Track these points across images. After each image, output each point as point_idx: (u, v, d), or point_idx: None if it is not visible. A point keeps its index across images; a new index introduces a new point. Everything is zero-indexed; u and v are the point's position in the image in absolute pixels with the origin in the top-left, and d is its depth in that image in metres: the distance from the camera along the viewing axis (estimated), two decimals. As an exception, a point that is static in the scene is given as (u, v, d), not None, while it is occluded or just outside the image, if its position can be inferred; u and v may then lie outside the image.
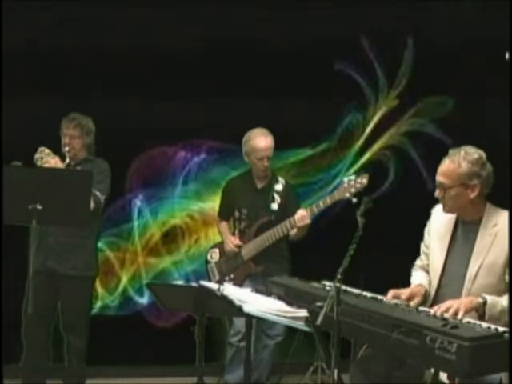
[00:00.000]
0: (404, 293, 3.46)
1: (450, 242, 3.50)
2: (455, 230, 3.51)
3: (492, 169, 3.41)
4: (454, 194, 3.37)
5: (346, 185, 4.53)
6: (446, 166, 3.40)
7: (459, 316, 3.11)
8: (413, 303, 3.42)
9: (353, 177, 4.52)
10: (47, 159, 4.55)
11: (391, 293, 3.47)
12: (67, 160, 4.69)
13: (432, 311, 3.20)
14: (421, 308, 3.34)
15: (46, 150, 4.59)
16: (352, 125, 5.86)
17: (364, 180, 4.49)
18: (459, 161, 3.35)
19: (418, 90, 5.76)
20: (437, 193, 3.44)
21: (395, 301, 3.41)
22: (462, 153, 3.38)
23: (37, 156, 4.58)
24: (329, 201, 4.65)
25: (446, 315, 3.11)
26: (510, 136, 4.87)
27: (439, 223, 3.58)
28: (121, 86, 5.44)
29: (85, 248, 4.72)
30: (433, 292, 3.51)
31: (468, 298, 3.25)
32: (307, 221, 4.73)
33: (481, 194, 3.39)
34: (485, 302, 3.21)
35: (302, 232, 4.86)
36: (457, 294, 3.34)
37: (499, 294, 3.28)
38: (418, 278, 3.69)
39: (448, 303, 3.21)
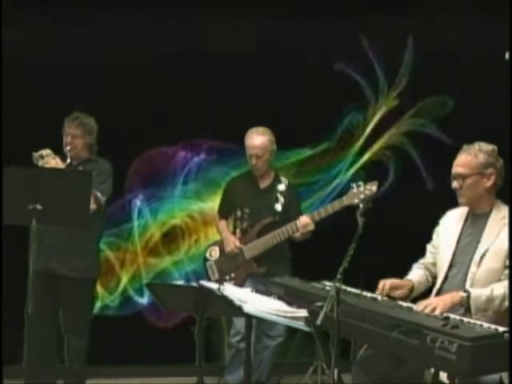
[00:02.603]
0: (389, 283, 3.56)
1: (459, 235, 3.62)
2: (464, 225, 3.64)
3: (503, 162, 3.57)
4: (472, 183, 3.52)
5: (354, 191, 4.52)
6: (464, 157, 3.56)
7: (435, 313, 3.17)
8: (397, 293, 3.55)
9: (362, 183, 4.51)
10: (48, 160, 4.53)
11: (381, 283, 3.57)
12: (68, 160, 4.66)
13: (415, 307, 3.27)
14: (404, 304, 3.38)
15: (47, 151, 4.57)
16: (352, 125, 5.86)
17: (373, 187, 4.49)
18: (475, 152, 3.53)
19: (418, 90, 5.76)
20: (454, 184, 3.57)
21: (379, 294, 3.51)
22: (477, 146, 3.56)
23: (36, 156, 4.56)
24: (337, 206, 4.65)
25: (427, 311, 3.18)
26: (510, 136, 4.88)
27: (450, 222, 3.72)
28: (121, 85, 5.44)
29: (86, 249, 4.70)
30: (439, 283, 3.58)
31: (450, 295, 3.33)
32: (310, 227, 4.76)
33: (495, 184, 3.55)
34: (468, 296, 3.28)
35: (305, 234, 4.86)
36: (462, 281, 3.44)
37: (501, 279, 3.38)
38: (412, 274, 3.79)
39: (428, 300, 3.31)
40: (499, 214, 3.53)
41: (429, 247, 3.80)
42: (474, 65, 5.56)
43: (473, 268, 3.45)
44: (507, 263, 3.39)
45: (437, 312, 3.17)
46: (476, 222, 3.59)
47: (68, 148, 4.69)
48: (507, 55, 5.40)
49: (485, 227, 3.52)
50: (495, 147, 3.57)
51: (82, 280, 4.66)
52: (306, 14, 5.59)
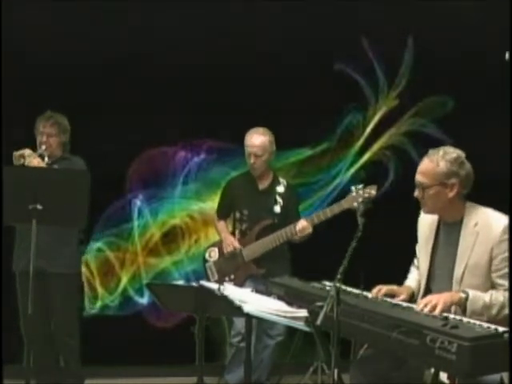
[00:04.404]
0: (386, 289, 3.52)
1: (433, 244, 3.53)
2: (437, 233, 3.54)
3: (471, 169, 3.41)
4: (433, 194, 3.39)
5: (354, 194, 4.53)
6: (425, 165, 3.41)
7: (436, 312, 3.14)
8: (398, 299, 3.48)
9: (361, 186, 4.51)
10: (30, 159, 4.51)
11: (376, 288, 3.53)
12: (46, 159, 4.63)
13: (415, 306, 3.25)
14: (404, 304, 3.38)
15: (28, 151, 4.55)
16: (352, 125, 5.86)
17: (373, 191, 4.49)
18: (437, 160, 3.37)
19: (418, 90, 5.76)
20: (416, 193, 3.46)
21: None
22: (441, 152, 3.39)
23: (17, 155, 4.52)
24: (336, 209, 4.66)
25: (425, 310, 3.16)
26: (510, 136, 4.88)
27: (424, 227, 3.62)
28: (121, 85, 5.44)
29: (70, 245, 4.70)
30: (421, 294, 3.53)
31: (449, 293, 3.29)
32: (308, 232, 4.78)
33: (459, 194, 3.39)
34: (467, 297, 3.24)
35: (303, 237, 4.86)
36: None
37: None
38: (411, 277, 3.75)
39: (428, 298, 3.26)
40: (471, 220, 3.38)
41: (416, 250, 3.73)
42: (474, 65, 5.56)
43: (455, 287, 3.36)
44: (494, 279, 3.32)
45: (437, 310, 3.16)
46: (449, 231, 3.47)
47: (44, 147, 4.67)
48: (507, 55, 5.40)
49: (458, 239, 3.39)
50: (461, 154, 3.40)
51: (68, 275, 4.66)
52: (306, 14, 5.59)
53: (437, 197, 3.39)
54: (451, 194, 3.37)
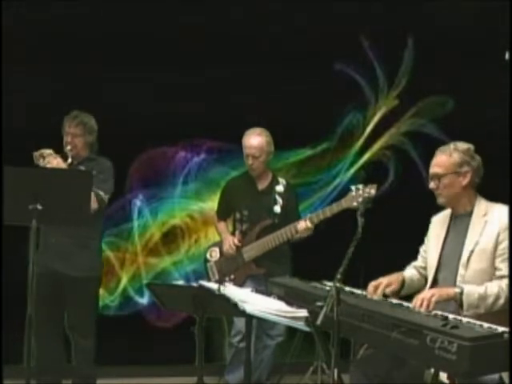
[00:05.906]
0: (385, 284, 3.58)
1: (444, 237, 3.65)
2: (449, 227, 3.67)
3: (481, 161, 3.60)
4: (448, 182, 3.55)
5: (353, 193, 4.51)
6: (439, 157, 3.61)
7: (433, 300, 3.23)
8: (388, 290, 3.57)
9: (361, 186, 4.51)
10: (49, 159, 4.51)
11: (371, 286, 3.57)
12: (69, 159, 4.63)
13: (412, 303, 3.30)
14: (405, 303, 3.38)
15: (48, 151, 4.56)
16: (352, 125, 5.87)
17: (372, 190, 4.47)
18: (450, 151, 3.58)
19: (417, 90, 5.76)
20: (431, 184, 3.60)
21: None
22: (452, 145, 3.61)
23: (37, 155, 4.54)
24: (335, 209, 4.65)
25: (422, 309, 3.21)
26: (510, 136, 4.88)
27: (436, 225, 3.75)
28: (121, 85, 5.44)
29: (90, 248, 4.68)
30: (428, 286, 3.59)
31: (445, 289, 3.39)
32: (309, 232, 4.78)
33: (472, 183, 3.57)
34: (461, 292, 3.33)
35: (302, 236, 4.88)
36: (451, 282, 3.47)
37: (491, 279, 3.42)
38: (405, 271, 3.82)
39: (423, 293, 3.35)
40: (480, 211, 3.55)
41: (421, 250, 3.83)
42: (474, 65, 5.57)
43: (461, 270, 3.48)
44: (496, 263, 3.42)
45: (433, 299, 3.23)
46: (459, 223, 3.62)
47: (68, 147, 4.66)
48: (507, 55, 5.40)
49: (468, 227, 3.54)
50: (471, 146, 3.61)
51: (85, 279, 4.64)
52: (306, 14, 5.59)
53: (451, 185, 3.56)
54: (465, 182, 3.55)
